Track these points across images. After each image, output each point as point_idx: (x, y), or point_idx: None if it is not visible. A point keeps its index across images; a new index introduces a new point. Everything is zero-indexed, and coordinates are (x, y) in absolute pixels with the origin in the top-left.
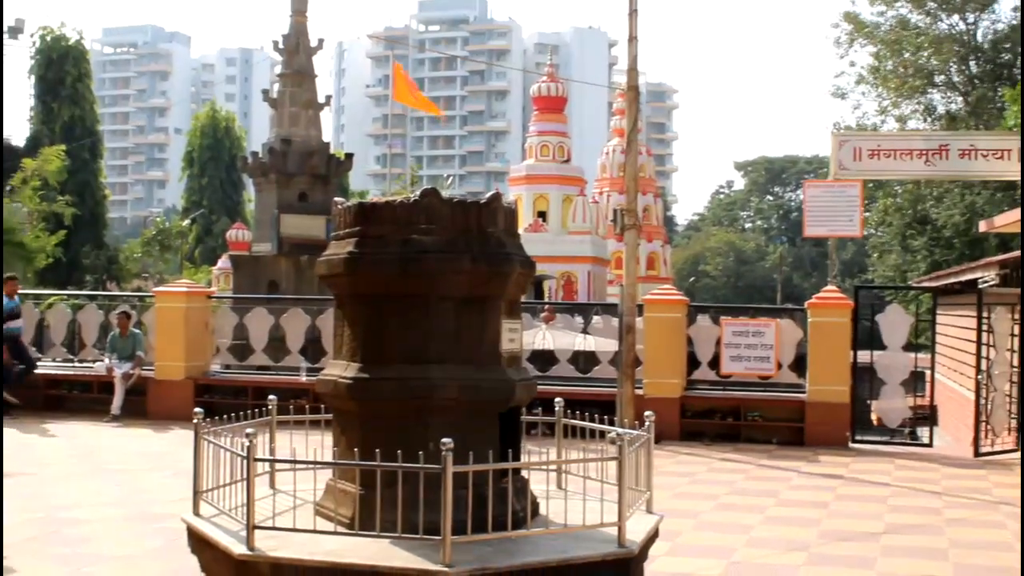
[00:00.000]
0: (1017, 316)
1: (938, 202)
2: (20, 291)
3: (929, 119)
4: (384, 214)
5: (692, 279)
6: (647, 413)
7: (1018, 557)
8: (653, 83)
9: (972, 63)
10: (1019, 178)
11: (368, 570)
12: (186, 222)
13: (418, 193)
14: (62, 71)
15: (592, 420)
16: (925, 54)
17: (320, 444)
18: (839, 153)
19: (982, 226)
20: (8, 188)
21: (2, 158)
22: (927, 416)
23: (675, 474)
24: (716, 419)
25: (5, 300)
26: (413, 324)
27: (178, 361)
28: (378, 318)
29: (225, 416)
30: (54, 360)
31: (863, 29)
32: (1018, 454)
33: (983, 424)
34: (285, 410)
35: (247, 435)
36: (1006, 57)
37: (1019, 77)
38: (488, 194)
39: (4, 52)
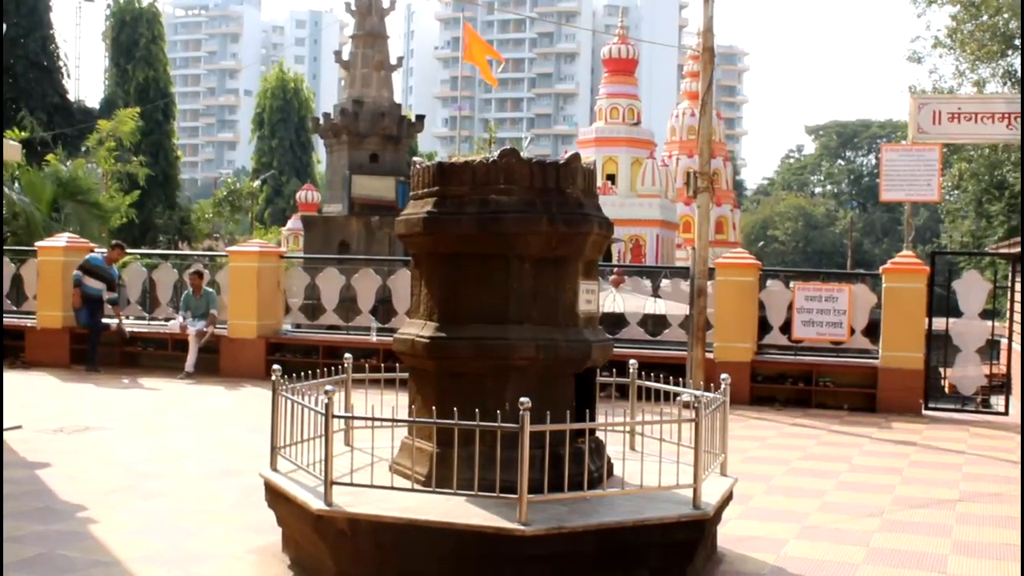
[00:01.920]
0: None
1: (1016, 167)
2: (97, 250)
3: (1008, 83)
4: (463, 174)
5: (760, 244)
6: (723, 376)
7: None
8: (723, 45)
9: None
10: None
11: (445, 527)
12: (256, 183)
13: (497, 153)
14: (136, 33)
15: (662, 383)
16: (1004, 16)
17: (394, 403)
18: (918, 116)
19: None
20: (84, 149)
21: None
22: (1001, 385)
23: (746, 438)
24: (787, 384)
25: (100, 258)
26: (491, 284)
27: (250, 320)
28: (456, 278)
29: (297, 375)
30: (129, 318)
31: None
32: None
33: None
34: (357, 369)
35: (325, 392)
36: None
37: None
38: (568, 154)
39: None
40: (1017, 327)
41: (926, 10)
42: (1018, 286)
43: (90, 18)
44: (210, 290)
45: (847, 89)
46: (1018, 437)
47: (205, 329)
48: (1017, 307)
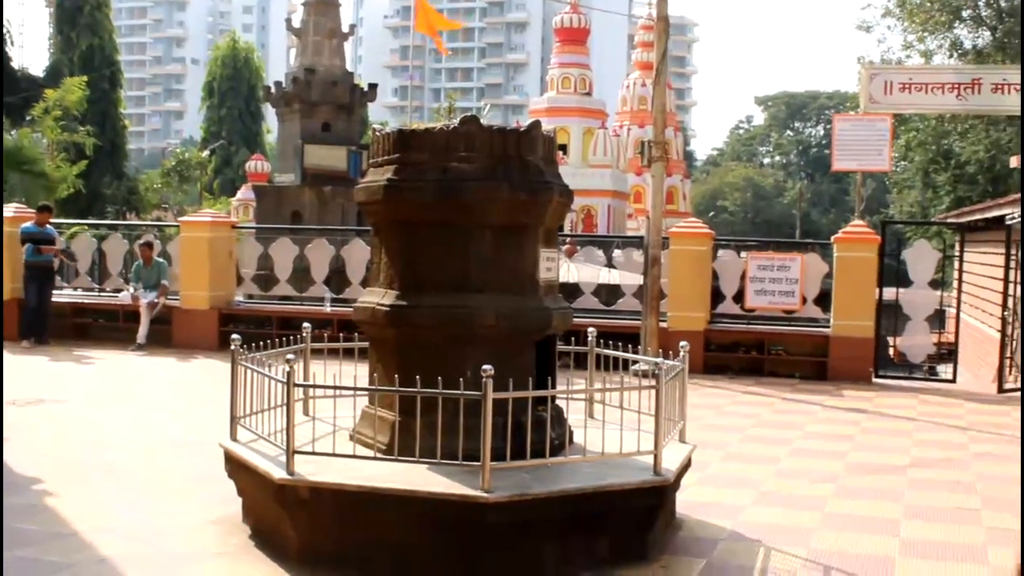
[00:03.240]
0: None
1: (962, 137)
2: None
3: (955, 54)
4: (423, 141)
5: (711, 214)
6: (682, 344)
7: None
8: (673, 16)
9: None
10: None
11: (407, 495)
12: (205, 153)
13: (457, 120)
14: (80, 0)
15: (619, 352)
16: None
17: (353, 373)
18: (870, 86)
19: (1012, 162)
20: (29, 118)
21: (1, 105)
22: (948, 353)
23: (700, 407)
24: (740, 353)
25: (32, 225)
26: (451, 252)
27: (203, 291)
28: (416, 246)
29: (251, 345)
30: (78, 290)
31: None
32: None
33: (1007, 360)
34: (314, 340)
35: (287, 361)
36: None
37: None
38: (528, 121)
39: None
40: (964, 296)
41: None
42: (966, 256)
43: None
44: (161, 260)
45: (796, 60)
46: (967, 404)
47: (156, 300)
48: (965, 276)
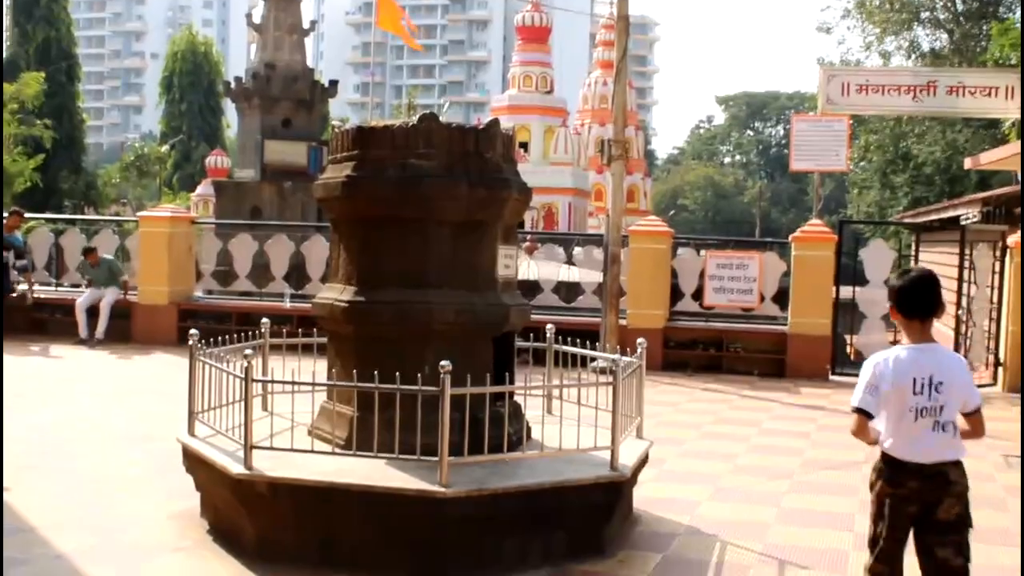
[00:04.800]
0: (998, 253)
1: (919, 139)
2: None
3: (913, 56)
4: (382, 138)
5: (671, 213)
6: (639, 340)
7: (999, 487)
8: (634, 15)
9: (958, 0)
10: (1005, 116)
11: (365, 490)
12: (164, 148)
13: (417, 117)
14: None
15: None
16: None
17: (312, 369)
18: (827, 87)
19: (968, 163)
20: None
21: (1, 115)
22: None
23: (659, 403)
24: (698, 350)
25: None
26: (410, 248)
27: (162, 286)
28: (375, 241)
29: (211, 341)
30: (36, 284)
31: None
32: (995, 388)
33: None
34: (273, 335)
35: (245, 356)
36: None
37: (1004, 15)
38: (487, 119)
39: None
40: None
41: None
42: (922, 255)
43: None
44: (109, 257)
45: (757, 60)
46: None
47: (120, 297)
48: None
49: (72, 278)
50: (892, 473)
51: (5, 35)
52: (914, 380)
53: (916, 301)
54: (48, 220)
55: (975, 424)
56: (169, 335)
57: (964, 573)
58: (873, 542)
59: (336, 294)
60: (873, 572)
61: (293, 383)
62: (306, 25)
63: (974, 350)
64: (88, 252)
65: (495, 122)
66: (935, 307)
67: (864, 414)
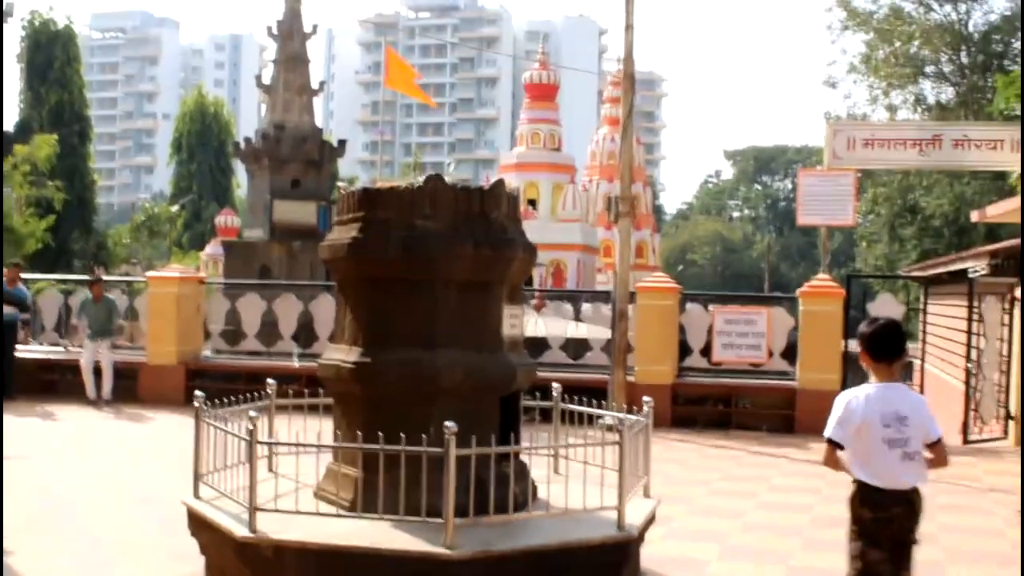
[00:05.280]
0: (1007, 305)
1: (927, 191)
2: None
3: (919, 109)
4: (388, 199)
5: (680, 268)
6: (645, 399)
7: (1008, 543)
8: (642, 71)
9: (963, 53)
10: (1011, 169)
11: (371, 552)
12: (174, 208)
13: (422, 179)
14: (50, 55)
15: (584, 406)
16: (916, 43)
17: (318, 429)
18: (833, 142)
19: (974, 216)
20: None
21: (3, 148)
22: None
23: (667, 460)
24: (707, 406)
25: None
26: (416, 308)
27: (170, 346)
28: (381, 302)
29: (219, 401)
30: (43, 344)
31: (856, 17)
32: (1006, 442)
33: (972, 412)
34: (280, 395)
35: (250, 418)
36: (997, 48)
37: (1009, 67)
38: (491, 180)
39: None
40: (929, 348)
41: (840, 36)
42: (931, 308)
43: (4, 39)
44: (111, 298)
45: (765, 114)
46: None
47: (112, 343)
48: (930, 328)
49: (81, 340)
50: (875, 500)
51: (19, 98)
52: (881, 415)
53: (884, 346)
54: (58, 281)
55: (938, 453)
56: (177, 395)
57: None
58: (870, 569)
59: (342, 355)
60: None
61: (297, 444)
62: (315, 86)
63: (984, 404)
64: (94, 283)
65: (500, 182)
66: (901, 351)
67: (835, 445)
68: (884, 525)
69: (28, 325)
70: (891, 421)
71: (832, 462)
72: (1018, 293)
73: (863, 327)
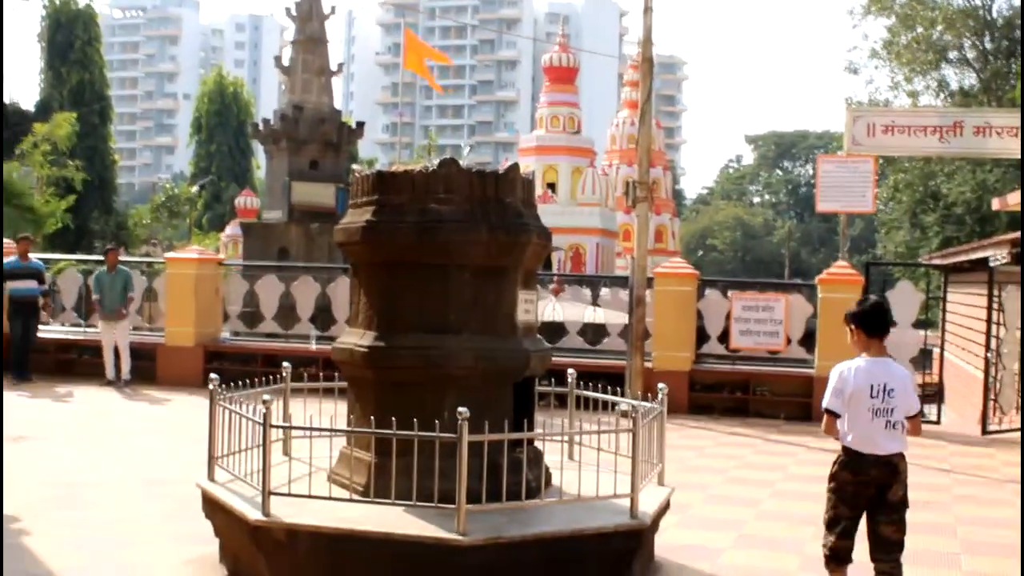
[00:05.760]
0: None
1: (949, 178)
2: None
3: (942, 95)
4: (402, 183)
5: (700, 253)
6: (660, 386)
7: None
8: (663, 55)
9: (986, 39)
10: None
11: (383, 537)
12: (194, 188)
13: (436, 162)
14: (71, 35)
15: (600, 392)
16: (939, 29)
17: (333, 412)
18: (853, 128)
19: (994, 204)
20: (18, 152)
21: (3, 122)
22: (934, 394)
23: (684, 447)
24: (724, 393)
25: (15, 260)
26: (430, 293)
27: (188, 327)
28: (395, 287)
29: (236, 383)
30: (64, 325)
31: (878, 2)
32: None
33: (991, 402)
34: (296, 378)
35: (263, 402)
36: (1021, 33)
37: None
38: (501, 165)
39: (3, 17)
40: (949, 336)
41: (861, 21)
42: (950, 296)
43: (25, 19)
44: (126, 269)
45: (786, 99)
46: (950, 446)
47: (125, 311)
48: (949, 317)
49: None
50: (855, 464)
51: (39, 78)
52: (871, 386)
53: (874, 322)
54: (78, 261)
55: (915, 425)
56: (195, 377)
57: (901, 545)
58: (834, 522)
59: (356, 339)
60: (835, 547)
61: (310, 428)
62: (333, 67)
63: (1003, 394)
64: (109, 251)
65: (515, 166)
66: (888, 327)
67: (833, 414)
68: (863, 487)
69: (48, 296)
70: (878, 392)
71: (833, 431)
72: None
73: (853, 308)
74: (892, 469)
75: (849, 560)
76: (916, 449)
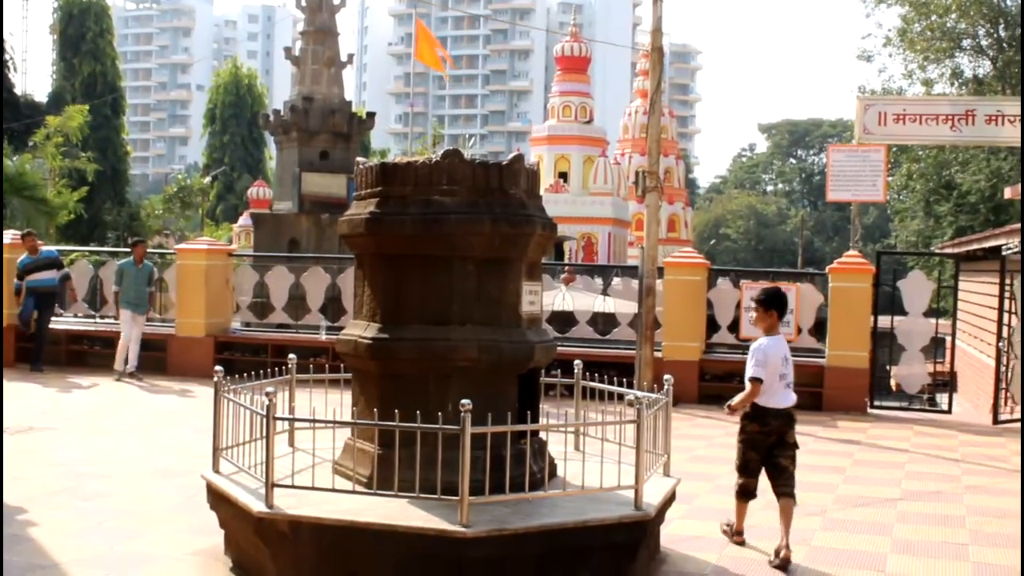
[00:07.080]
0: None
1: (963, 167)
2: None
3: (956, 83)
4: (406, 175)
5: (712, 242)
6: (666, 377)
7: None
8: (677, 44)
9: (1001, 27)
10: None
11: (386, 529)
12: (207, 179)
13: (440, 154)
14: (83, 27)
15: (610, 382)
16: (953, 17)
17: (339, 403)
18: (864, 117)
19: (1007, 193)
20: (31, 144)
21: (1, 113)
22: (946, 383)
23: (692, 437)
24: (735, 383)
25: (25, 256)
26: (434, 285)
27: (199, 318)
28: (399, 278)
29: (245, 374)
30: (78, 315)
31: None
32: None
33: (1003, 391)
34: (305, 368)
35: (266, 394)
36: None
37: None
38: (510, 155)
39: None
40: (961, 325)
41: (875, 9)
42: (963, 285)
43: (37, 11)
44: (150, 263)
45: (800, 88)
46: (961, 435)
47: (150, 306)
48: (962, 306)
49: (112, 309)
50: (763, 418)
51: (52, 70)
52: (782, 357)
53: (776, 302)
54: (90, 252)
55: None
56: (206, 367)
57: (792, 474)
58: (745, 467)
59: (360, 331)
60: (745, 485)
61: (313, 420)
62: (344, 58)
63: (1015, 383)
64: (138, 243)
65: (518, 157)
66: (785, 308)
67: (759, 381)
68: (767, 436)
69: (69, 279)
70: (782, 361)
71: (757, 395)
72: None
73: (758, 294)
74: (789, 418)
75: (754, 495)
76: (926, 439)
